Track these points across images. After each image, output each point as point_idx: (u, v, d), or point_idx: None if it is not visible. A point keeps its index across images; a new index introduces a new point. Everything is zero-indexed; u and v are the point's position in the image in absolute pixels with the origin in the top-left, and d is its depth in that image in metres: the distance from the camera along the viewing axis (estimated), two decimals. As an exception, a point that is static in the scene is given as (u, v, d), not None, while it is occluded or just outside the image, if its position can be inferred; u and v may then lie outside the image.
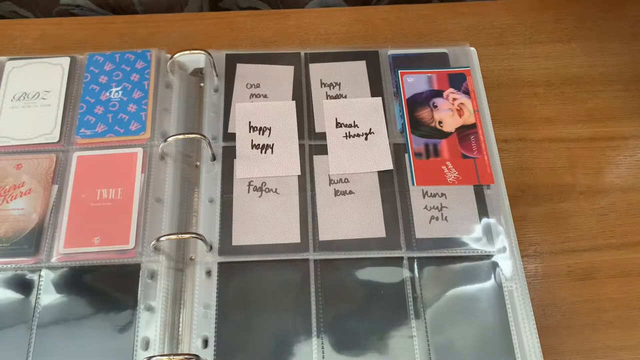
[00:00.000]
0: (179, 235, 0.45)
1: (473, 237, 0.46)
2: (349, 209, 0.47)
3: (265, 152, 0.50)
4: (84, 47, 0.58)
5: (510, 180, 0.52)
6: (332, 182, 0.48)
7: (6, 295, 0.43)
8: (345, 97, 0.53)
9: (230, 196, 0.47)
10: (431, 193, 0.48)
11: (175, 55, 0.51)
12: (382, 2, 0.68)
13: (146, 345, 0.42)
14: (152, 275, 0.44)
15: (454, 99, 0.52)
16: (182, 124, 0.51)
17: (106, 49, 0.54)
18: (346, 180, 0.48)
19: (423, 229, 0.46)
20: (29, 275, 0.44)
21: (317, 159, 0.50)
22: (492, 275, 0.45)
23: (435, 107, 0.52)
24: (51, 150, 0.49)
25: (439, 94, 0.52)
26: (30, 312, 0.42)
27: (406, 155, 0.50)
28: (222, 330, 0.42)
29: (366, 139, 0.51)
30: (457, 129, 0.51)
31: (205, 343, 0.42)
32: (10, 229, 0.45)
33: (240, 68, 0.54)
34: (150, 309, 0.43)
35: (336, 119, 0.51)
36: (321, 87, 0.53)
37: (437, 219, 0.47)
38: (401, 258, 0.45)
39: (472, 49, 0.56)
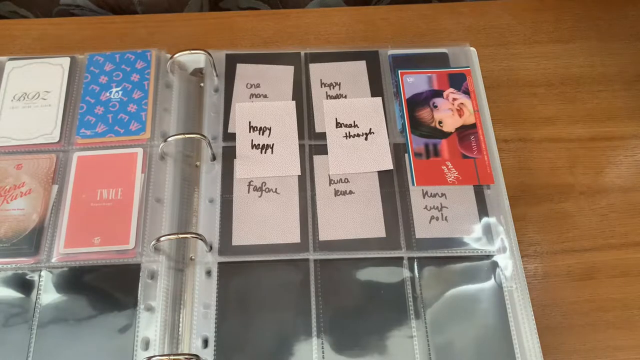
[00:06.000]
0: (179, 235, 0.45)
1: (473, 237, 0.46)
2: (349, 209, 0.47)
3: (265, 152, 0.50)
4: (84, 47, 0.58)
5: (510, 180, 0.52)
6: (332, 182, 0.48)
7: (6, 295, 0.43)
8: (345, 97, 0.53)
9: (230, 196, 0.47)
10: (431, 193, 0.48)
11: (175, 55, 0.51)
12: (382, 2, 0.68)
13: (146, 345, 0.42)
14: (152, 275, 0.44)
15: (454, 99, 0.52)
16: (182, 124, 0.51)
17: (106, 49, 0.54)
18: (346, 180, 0.48)
19: (423, 229, 0.46)
20: (29, 275, 0.44)
21: (317, 159, 0.50)
22: (492, 275, 0.45)
23: (435, 107, 0.52)
24: (51, 151, 0.49)
25: (439, 94, 0.52)
26: (31, 312, 0.42)
27: (406, 155, 0.50)
28: (222, 330, 0.42)
29: (366, 139, 0.51)
30: (457, 129, 0.51)
31: (205, 343, 0.42)
32: (10, 229, 0.45)
33: (240, 68, 0.54)
34: (150, 309, 0.43)
35: (336, 119, 0.51)
36: (321, 87, 0.53)
37: (437, 219, 0.47)
38: (401, 258, 0.45)
39: (472, 49, 0.56)
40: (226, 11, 0.70)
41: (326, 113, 0.52)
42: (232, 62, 0.54)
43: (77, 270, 0.44)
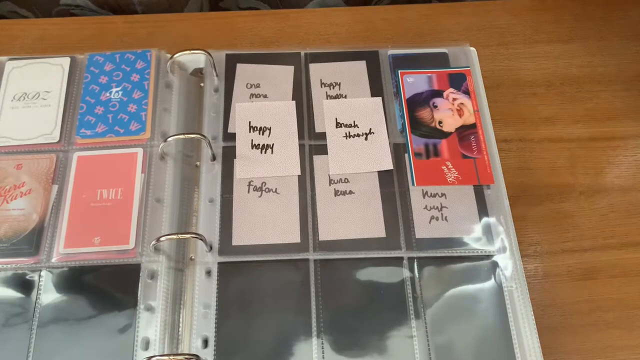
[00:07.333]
0: (179, 235, 0.45)
1: (473, 237, 0.46)
2: (349, 209, 0.47)
3: (265, 152, 0.50)
4: (84, 47, 0.58)
5: (510, 180, 0.51)
6: (332, 182, 0.48)
7: (6, 295, 0.43)
8: (345, 97, 0.53)
9: (230, 196, 0.47)
10: (431, 193, 0.48)
11: (175, 55, 0.51)
12: (382, 2, 0.68)
13: (146, 345, 0.42)
14: (152, 275, 0.44)
15: (454, 99, 0.52)
16: (182, 124, 0.51)
17: (106, 49, 0.54)
18: (346, 180, 0.48)
19: (423, 229, 0.46)
20: (29, 275, 0.44)
21: (317, 159, 0.50)
22: (492, 275, 0.45)
23: (435, 107, 0.52)
24: (51, 151, 0.49)
25: (439, 94, 0.52)
26: (31, 312, 0.42)
27: (406, 155, 0.50)
28: (222, 330, 0.42)
29: (366, 139, 0.51)
30: (457, 129, 0.51)
31: (205, 343, 0.42)
32: (10, 229, 0.45)
33: (240, 68, 0.54)
34: (150, 309, 0.43)
35: (336, 119, 0.51)
36: (321, 87, 0.53)
37: (437, 219, 0.47)
38: (401, 258, 0.45)
39: (472, 49, 0.56)
40: (226, 11, 0.70)
41: (326, 113, 0.52)
42: (232, 62, 0.54)
43: (77, 270, 0.44)
